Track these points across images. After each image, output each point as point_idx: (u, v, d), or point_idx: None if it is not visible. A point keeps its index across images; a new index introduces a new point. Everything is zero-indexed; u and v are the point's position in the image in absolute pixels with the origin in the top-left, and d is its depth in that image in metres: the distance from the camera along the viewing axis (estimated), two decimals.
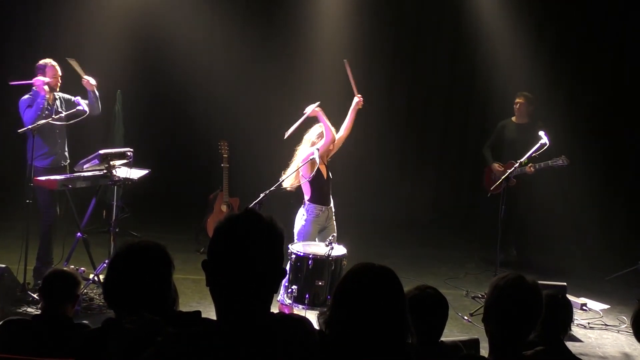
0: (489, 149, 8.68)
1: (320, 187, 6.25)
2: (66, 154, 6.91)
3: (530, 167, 7.93)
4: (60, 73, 6.75)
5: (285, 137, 6.22)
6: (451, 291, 7.45)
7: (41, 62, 6.72)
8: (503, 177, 7.38)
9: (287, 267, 5.73)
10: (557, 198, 9.70)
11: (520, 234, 8.73)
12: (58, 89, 6.76)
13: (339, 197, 10.00)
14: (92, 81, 6.72)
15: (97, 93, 6.76)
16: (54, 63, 6.72)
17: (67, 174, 6.62)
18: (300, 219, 6.29)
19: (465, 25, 10.59)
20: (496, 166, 8.46)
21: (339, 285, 2.43)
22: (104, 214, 8.73)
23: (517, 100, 8.45)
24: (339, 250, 5.89)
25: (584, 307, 7.29)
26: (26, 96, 6.64)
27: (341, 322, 2.32)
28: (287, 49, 10.64)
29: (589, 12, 10.20)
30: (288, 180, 6.20)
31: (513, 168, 7.49)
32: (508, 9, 10.09)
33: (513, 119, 8.55)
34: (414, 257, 8.93)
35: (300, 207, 6.34)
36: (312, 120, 6.29)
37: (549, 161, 7.87)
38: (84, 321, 3.93)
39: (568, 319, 3.78)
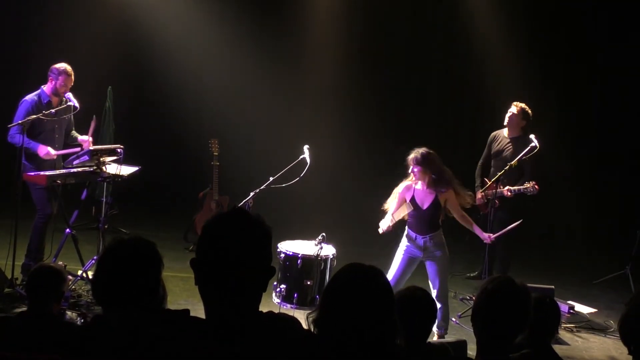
0: (482, 168, 7.69)
1: (412, 215, 6.28)
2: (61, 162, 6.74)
3: (507, 190, 7.07)
4: (72, 81, 6.61)
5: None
6: None
7: (57, 66, 6.55)
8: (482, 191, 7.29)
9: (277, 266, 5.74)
10: (544, 202, 9.74)
11: (504, 261, 7.61)
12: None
13: (331, 195, 10.10)
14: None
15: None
16: (70, 72, 6.55)
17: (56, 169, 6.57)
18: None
19: (458, 30, 10.64)
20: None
21: (329, 285, 2.45)
22: (93, 210, 8.70)
23: (509, 110, 7.36)
24: (328, 250, 5.90)
25: (572, 311, 7.31)
26: (30, 98, 6.51)
27: (330, 321, 2.32)
28: (280, 47, 10.63)
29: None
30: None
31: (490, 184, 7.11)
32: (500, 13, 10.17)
33: (505, 131, 7.48)
34: None
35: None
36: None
37: (521, 187, 7.03)
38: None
39: (555, 322, 3.80)
